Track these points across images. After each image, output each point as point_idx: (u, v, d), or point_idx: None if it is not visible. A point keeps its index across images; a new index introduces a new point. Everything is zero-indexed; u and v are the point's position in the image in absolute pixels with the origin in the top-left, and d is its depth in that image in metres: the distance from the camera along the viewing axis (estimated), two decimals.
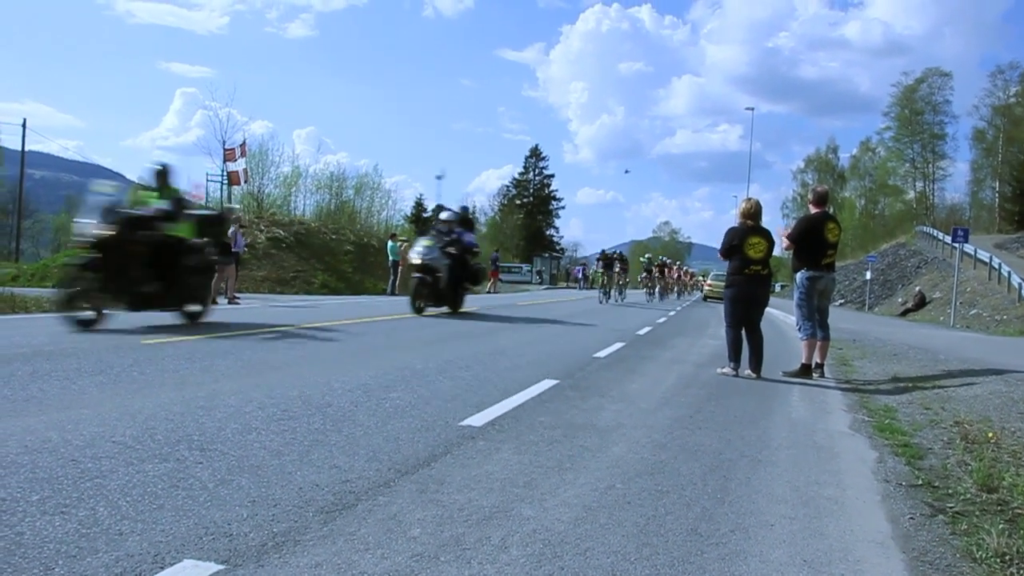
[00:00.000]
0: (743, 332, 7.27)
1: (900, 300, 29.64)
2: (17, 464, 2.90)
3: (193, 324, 8.25)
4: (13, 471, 2.82)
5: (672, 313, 19.65)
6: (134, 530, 2.36)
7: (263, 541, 2.37)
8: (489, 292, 28.20)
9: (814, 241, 7.34)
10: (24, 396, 4.16)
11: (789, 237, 7.50)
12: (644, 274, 29.99)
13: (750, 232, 7.24)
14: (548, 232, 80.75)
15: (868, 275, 32.85)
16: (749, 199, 7.60)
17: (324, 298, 19.04)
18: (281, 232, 25.07)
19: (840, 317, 21.19)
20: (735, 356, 7.23)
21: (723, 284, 8.22)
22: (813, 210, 7.55)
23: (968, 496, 3.43)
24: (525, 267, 61.05)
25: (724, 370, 7.23)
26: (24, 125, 40.87)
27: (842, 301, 35.27)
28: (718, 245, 7.68)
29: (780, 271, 53.31)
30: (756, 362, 7.16)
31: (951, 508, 3.26)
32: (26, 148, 42.32)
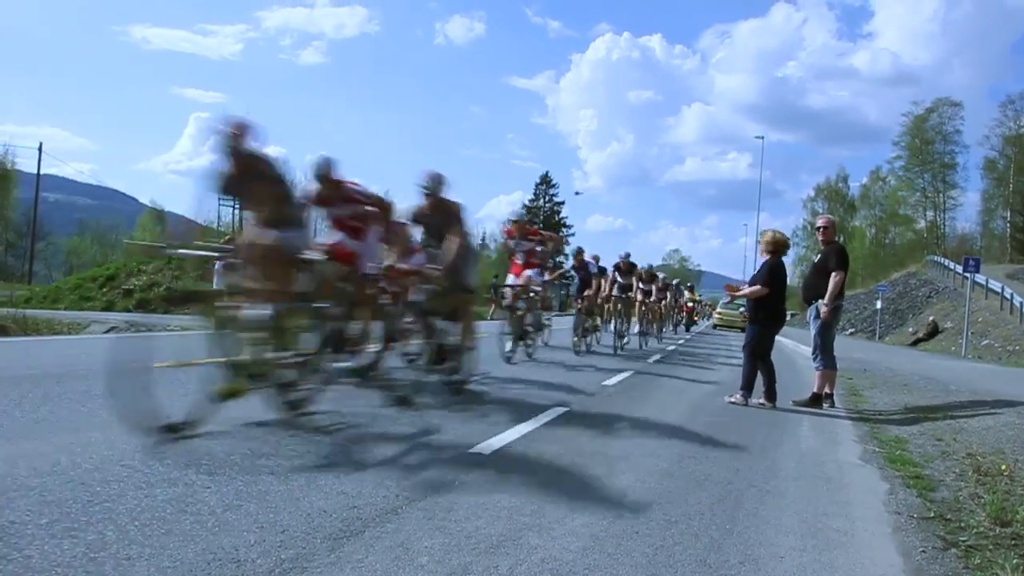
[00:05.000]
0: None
1: (911, 330, 29.45)
2: (27, 487, 2.91)
3: None
4: (23, 494, 2.83)
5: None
6: (142, 555, 2.37)
7: (270, 568, 2.36)
8: (493, 319, 28.07)
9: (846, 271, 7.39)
10: (34, 418, 4.19)
11: (838, 269, 7.14)
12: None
13: None
14: (558, 259, 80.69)
15: (879, 304, 32.66)
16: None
17: None
18: None
19: (850, 346, 21.06)
20: (750, 385, 7.20)
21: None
22: (833, 241, 7.54)
23: (981, 530, 3.39)
24: None
25: (734, 398, 7.19)
26: (40, 149, 41.58)
27: (852, 330, 35.07)
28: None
29: (791, 298, 53.06)
30: (772, 392, 7.11)
31: (964, 542, 3.22)
32: (41, 171, 42.97)
